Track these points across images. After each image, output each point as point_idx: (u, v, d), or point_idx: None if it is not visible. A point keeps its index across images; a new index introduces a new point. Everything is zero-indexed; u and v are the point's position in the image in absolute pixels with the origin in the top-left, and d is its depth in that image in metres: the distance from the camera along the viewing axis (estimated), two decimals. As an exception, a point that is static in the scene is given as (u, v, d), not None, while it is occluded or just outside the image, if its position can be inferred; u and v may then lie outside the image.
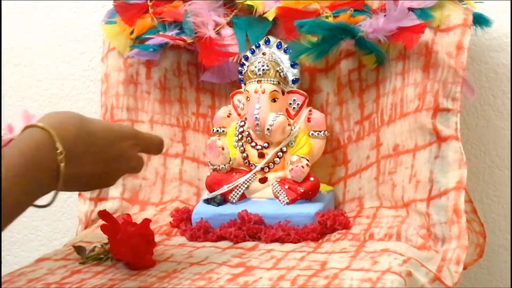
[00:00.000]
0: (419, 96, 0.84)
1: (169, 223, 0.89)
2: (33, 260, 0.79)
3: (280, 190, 0.84)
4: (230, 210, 0.83)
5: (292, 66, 0.89)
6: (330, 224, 0.80)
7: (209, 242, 0.81)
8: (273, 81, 0.86)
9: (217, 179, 0.86)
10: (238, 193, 0.85)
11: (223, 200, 0.85)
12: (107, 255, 0.76)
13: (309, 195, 0.83)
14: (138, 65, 0.99)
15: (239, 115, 0.91)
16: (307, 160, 0.83)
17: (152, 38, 0.95)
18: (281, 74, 0.87)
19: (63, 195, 1.22)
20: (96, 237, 0.84)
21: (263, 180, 0.86)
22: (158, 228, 0.88)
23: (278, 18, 0.91)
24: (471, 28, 0.85)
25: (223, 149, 0.85)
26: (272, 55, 0.89)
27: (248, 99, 0.87)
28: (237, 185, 0.85)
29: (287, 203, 0.83)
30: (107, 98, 1.00)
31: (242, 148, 0.88)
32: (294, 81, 0.89)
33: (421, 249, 0.74)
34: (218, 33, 0.94)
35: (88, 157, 0.58)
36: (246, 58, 0.91)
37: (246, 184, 0.85)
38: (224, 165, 0.85)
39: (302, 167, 0.82)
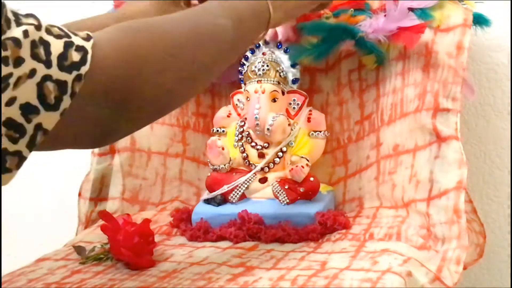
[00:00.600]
0: (419, 96, 0.84)
1: (169, 223, 0.89)
2: (33, 260, 0.79)
3: (280, 190, 0.83)
4: (230, 210, 0.83)
5: (292, 66, 0.89)
6: (330, 224, 0.80)
7: (209, 242, 0.81)
8: (273, 81, 0.86)
9: (217, 179, 0.86)
10: (238, 193, 0.85)
11: (223, 200, 0.85)
12: (107, 255, 0.76)
13: (309, 195, 0.83)
14: (138, 65, 0.99)
15: (239, 115, 0.91)
16: (307, 160, 0.83)
17: (152, 38, 0.95)
18: (281, 74, 0.87)
19: (63, 195, 1.22)
20: (96, 237, 0.84)
21: (263, 180, 0.86)
22: (158, 228, 0.88)
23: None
24: (471, 28, 0.85)
25: (223, 149, 0.85)
26: (272, 55, 0.89)
27: (248, 99, 0.87)
28: (237, 185, 0.85)
29: (287, 203, 0.83)
30: (107, 98, 1.00)
31: (242, 148, 0.88)
32: (294, 81, 0.89)
33: (421, 249, 0.74)
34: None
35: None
36: (246, 58, 0.91)
37: (246, 184, 0.85)
38: (224, 165, 0.85)
39: (302, 167, 0.82)
